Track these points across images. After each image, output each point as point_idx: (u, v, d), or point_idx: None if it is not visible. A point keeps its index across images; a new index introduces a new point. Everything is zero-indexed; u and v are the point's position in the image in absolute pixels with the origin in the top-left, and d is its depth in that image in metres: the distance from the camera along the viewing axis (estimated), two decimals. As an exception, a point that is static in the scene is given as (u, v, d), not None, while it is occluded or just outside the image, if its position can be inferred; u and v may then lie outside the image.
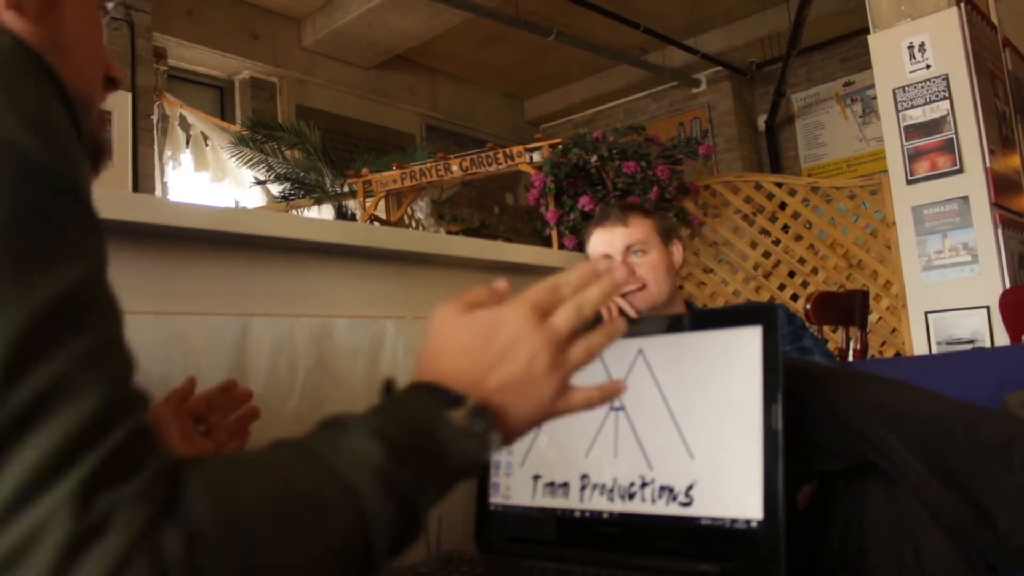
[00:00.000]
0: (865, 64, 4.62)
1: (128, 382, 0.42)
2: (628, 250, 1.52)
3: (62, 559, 0.35)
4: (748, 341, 0.83)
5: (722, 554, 0.79)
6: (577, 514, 0.90)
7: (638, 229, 1.53)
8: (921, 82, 3.08)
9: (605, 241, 1.54)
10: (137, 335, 0.93)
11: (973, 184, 2.98)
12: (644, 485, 0.85)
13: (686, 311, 1.60)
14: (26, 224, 0.40)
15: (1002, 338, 2.75)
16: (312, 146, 4.84)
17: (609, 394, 0.60)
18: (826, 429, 0.95)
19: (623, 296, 1.51)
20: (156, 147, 4.47)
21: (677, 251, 1.59)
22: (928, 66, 3.07)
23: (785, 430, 0.79)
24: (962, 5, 3.05)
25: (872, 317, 3.51)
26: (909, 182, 3.10)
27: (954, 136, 3.01)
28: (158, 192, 4.47)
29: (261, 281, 1.10)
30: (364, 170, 4.84)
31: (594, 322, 0.57)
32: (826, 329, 3.03)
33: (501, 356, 0.54)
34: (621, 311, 1.63)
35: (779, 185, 4.00)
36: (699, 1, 6.12)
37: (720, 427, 0.82)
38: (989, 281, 2.93)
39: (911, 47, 3.11)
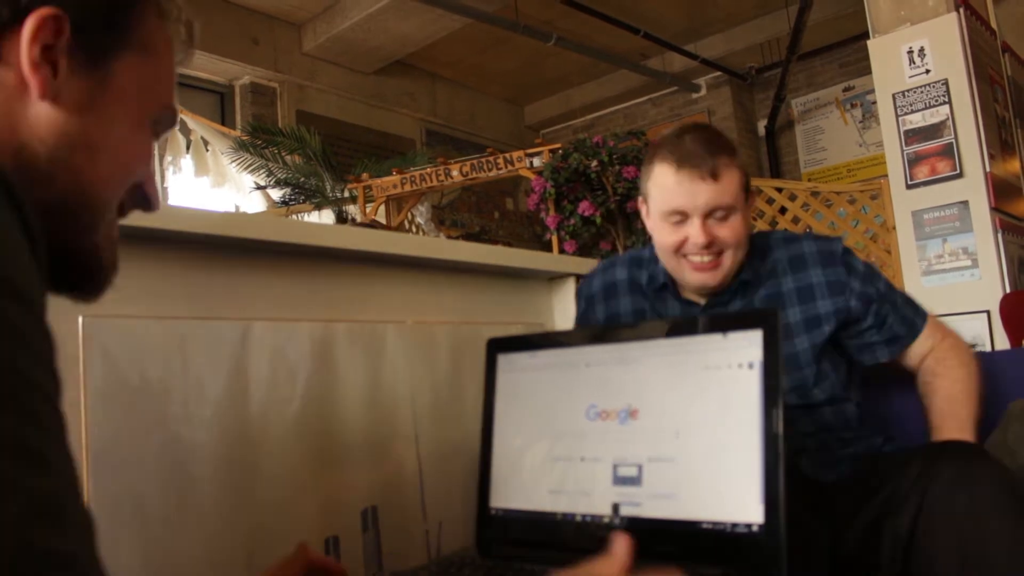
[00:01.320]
0: (865, 69, 4.63)
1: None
2: (710, 212, 1.20)
3: None
4: (749, 345, 0.83)
5: (723, 558, 0.78)
6: (578, 518, 0.90)
7: (728, 188, 1.19)
8: (921, 87, 3.08)
9: (687, 193, 1.19)
10: (137, 340, 0.93)
11: (973, 189, 2.98)
12: (645, 488, 0.85)
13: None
14: None
15: (1003, 342, 2.74)
16: (312, 151, 4.85)
17: None
18: None
19: (693, 268, 1.23)
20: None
21: (751, 208, 1.29)
22: (928, 71, 3.08)
23: (786, 434, 0.78)
24: (961, 10, 3.06)
25: (872, 322, 3.50)
26: (909, 187, 3.10)
27: (954, 141, 3.01)
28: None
29: (261, 286, 1.10)
30: (364, 175, 4.85)
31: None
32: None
33: None
34: None
35: (779, 190, 4.01)
36: (699, 6, 6.13)
37: (721, 430, 0.82)
38: (989, 285, 2.92)
39: (911, 52, 3.11)
